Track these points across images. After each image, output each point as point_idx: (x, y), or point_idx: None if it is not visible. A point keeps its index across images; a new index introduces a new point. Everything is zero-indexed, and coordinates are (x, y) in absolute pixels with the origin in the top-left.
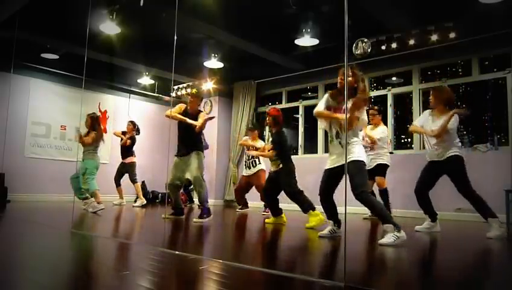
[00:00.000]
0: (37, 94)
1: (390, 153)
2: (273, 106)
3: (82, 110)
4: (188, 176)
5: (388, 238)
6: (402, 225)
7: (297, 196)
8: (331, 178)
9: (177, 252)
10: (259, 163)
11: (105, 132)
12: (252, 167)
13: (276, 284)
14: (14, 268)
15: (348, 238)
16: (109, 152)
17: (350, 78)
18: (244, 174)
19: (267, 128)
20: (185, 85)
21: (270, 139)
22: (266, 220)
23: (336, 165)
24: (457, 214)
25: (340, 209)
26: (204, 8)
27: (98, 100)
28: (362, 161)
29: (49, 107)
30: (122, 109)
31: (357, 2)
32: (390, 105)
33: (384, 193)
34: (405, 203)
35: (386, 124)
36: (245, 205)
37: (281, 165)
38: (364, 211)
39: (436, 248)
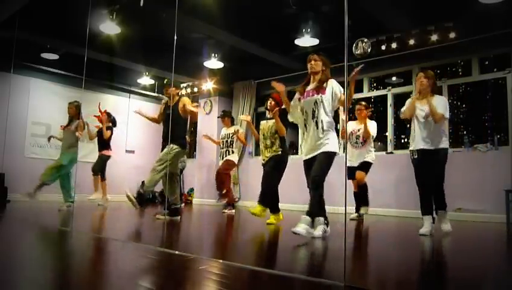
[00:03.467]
0: (37, 94)
1: (391, 153)
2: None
3: (82, 110)
4: None
5: (319, 231)
6: (404, 226)
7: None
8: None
9: (177, 252)
10: (232, 153)
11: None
12: (225, 156)
13: (276, 284)
14: (14, 268)
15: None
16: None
17: (315, 63)
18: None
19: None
20: (184, 85)
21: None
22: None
23: (312, 156)
24: (457, 214)
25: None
26: (204, 8)
27: (98, 100)
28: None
29: (49, 107)
30: (122, 109)
31: (357, 2)
32: (390, 105)
33: (364, 188)
34: (405, 203)
35: (386, 124)
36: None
37: (280, 151)
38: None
39: (437, 248)
